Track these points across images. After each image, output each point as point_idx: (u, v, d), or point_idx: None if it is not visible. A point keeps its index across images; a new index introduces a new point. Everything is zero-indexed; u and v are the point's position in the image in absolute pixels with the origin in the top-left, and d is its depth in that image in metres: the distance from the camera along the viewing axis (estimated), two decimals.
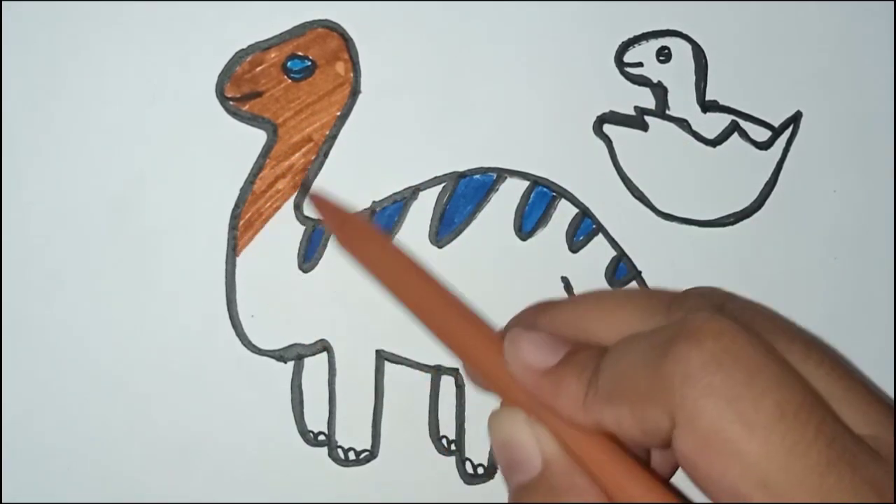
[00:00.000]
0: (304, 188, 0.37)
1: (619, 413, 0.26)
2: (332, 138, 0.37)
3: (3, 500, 0.37)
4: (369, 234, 0.34)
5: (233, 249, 0.37)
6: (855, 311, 0.41)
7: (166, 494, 0.38)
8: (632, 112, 0.39)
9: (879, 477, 0.24)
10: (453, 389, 0.39)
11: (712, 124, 0.39)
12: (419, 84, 0.38)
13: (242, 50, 0.36)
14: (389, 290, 0.33)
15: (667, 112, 0.39)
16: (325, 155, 0.37)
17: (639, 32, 0.38)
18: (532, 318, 0.31)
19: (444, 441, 0.39)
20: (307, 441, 0.38)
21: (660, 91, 0.39)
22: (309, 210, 0.37)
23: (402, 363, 0.38)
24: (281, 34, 0.37)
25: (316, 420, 0.38)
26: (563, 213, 0.39)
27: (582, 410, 0.27)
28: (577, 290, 0.39)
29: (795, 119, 0.40)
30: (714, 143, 0.39)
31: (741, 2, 0.39)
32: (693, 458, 0.25)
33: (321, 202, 0.35)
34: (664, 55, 0.39)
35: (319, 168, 0.37)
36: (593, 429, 0.27)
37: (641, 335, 0.27)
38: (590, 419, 0.27)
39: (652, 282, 0.39)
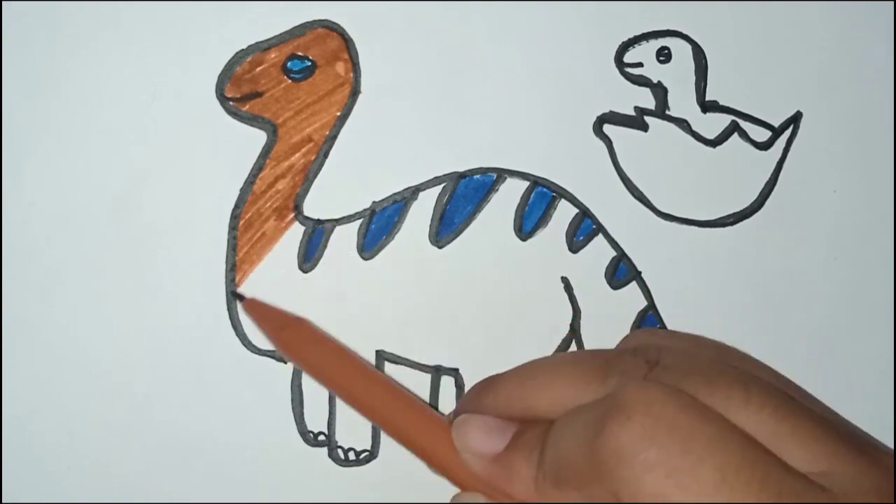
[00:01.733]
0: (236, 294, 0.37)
1: (569, 496, 0.26)
2: (332, 138, 0.37)
3: (3, 501, 0.37)
4: (311, 337, 0.34)
5: (233, 249, 0.37)
6: (855, 311, 0.41)
7: (166, 494, 0.38)
8: (632, 112, 0.39)
9: None
10: (453, 390, 0.39)
11: (712, 124, 0.39)
12: (419, 84, 0.38)
13: (242, 50, 0.36)
14: (336, 391, 0.33)
15: (667, 112, 0.39)
16: (325, 155, 0.37)
17: (639, 32, 0.38)
18: (476, 400, 0.31)
19: None
20: (307, 441, 0.38)
21: (660, 91, 0.39)
22: (310, 210, 0.37)
23: (402, 363, 0.38)
24: (281, 34, 0.36)
25: (316, 420, 0.38)
26: (563, 213, 0.39)
27: (535, 494, 0.27)
28: (577, 291, 0.39)
29: (795, 119, 0.40)
30: (714, 143, 0.39)
31: (741, 2, 0.39)
32: None
33: (256, 308, 0.35)
34: (664, 55, 0.39)
35: (319, 168, 0.37)
36: None
37: (577, 412, 0.27)
38: (544, 501, 0.27)
39: (652, 282, 0.39)
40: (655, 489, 0.24)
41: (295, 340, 0.34)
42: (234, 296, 0.37)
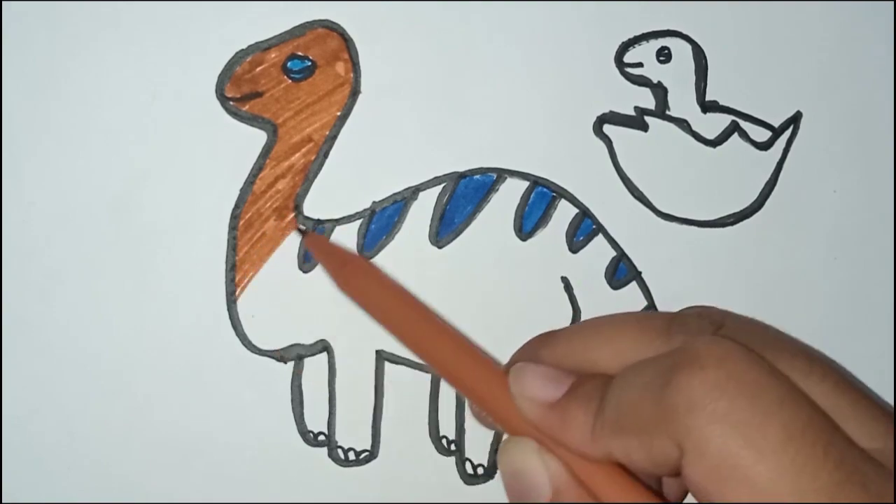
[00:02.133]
0: (297, 210, 0.37)
1: (628, 444, 0.26)
2: (332, 138, 0.37)
3: (3, 501, 0.37)
4: (369, 274, 0.34)
5: (233, 249, 0.37)
6: (855, 311, 0.41)
7: (166, 494, 0.38)
8: (632, 112, 0.39)
9: (890, 492, 0.24)
10: (453, 390, 0.39)
11: (712, 124, 0.39)
12: (419, 84, 0.38)
13: (242, 50, 0.36)
14: (391, 331, 0.33)
15: (667, 112, 0.39)
16: (325, 155, 0.37)
17: (639, 33, 0.38)
18: (534, 351, 0.31)
19: (444, 441, 0.39)
20: (307, 441, 0.38)
21: (660, 91, 0.39)
22: (310, 210, 0.37)
23: (402, 363, 0.38)
24: (281, 34, 0.36)
25: (316, 420, 0.38)
26: (563, 213, 0.39)
27: (590, 442, 0.27)
28: (577, 291, 0.39)
29: (795, 119, 0.40)
30: (714, 143, 0.39)
31: (741, 2, 0.39)
32: (703, 486, 0.24)
33: (318, 244, 0.35)
34: (664, 55, 0.39)
35: (319, 168, 0.37)
36: (602, 458, 0.27)
37: (644, 363, 0.27)
38: (599, 450, 0.27)
39: (652, 282, 0.39)
40: (721, 440, 0.24)
41: (355, 276, 0.34)
42: (298, 231, 0.36)
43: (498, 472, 0.30)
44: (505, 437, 0.30)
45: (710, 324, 0.29)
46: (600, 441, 0.27)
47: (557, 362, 0.30)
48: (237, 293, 0.37)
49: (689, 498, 0.29)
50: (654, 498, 0.28)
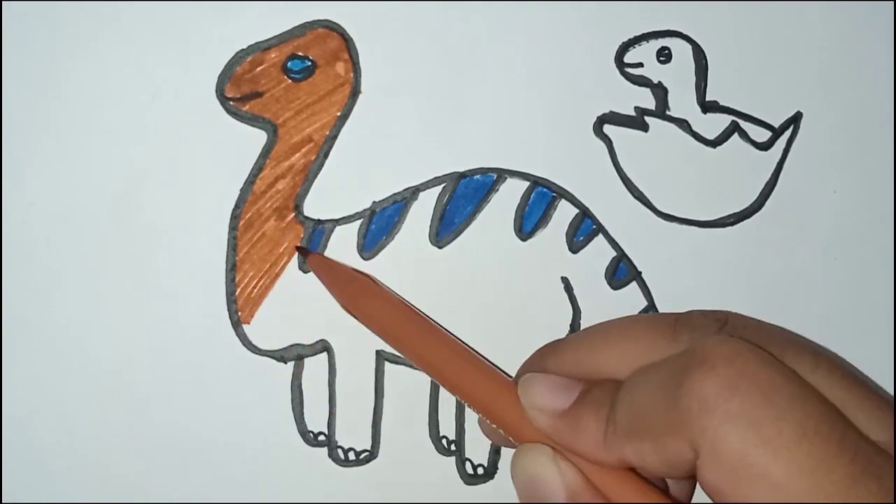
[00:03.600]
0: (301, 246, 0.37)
1: (641, 448, 0.26)
2: (333, 138, 0.37)
3: (3, 501, 0.37)
4: (373, 292, 0.34)
5: (233, 249, 0.37)
6: (855, 311, 0.41)
7: (166, 494, 0.38)
8: (632, 112, 0.39)
9: None
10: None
11: (712, 125, 0.39)
12: (419, 84, 0.38)
13: (242, 50, 0.36)
14: (398, 348, 0.33)
15: (667, 112, 0.39)
16: (326, 155, 0.37)
17: (639, 33, 0.38)
18: (541, 360, 0.31)
19: (444, 441, 0.39)
20: (307, 441, 0.38)
21: (660, 91, 0.39)
22: (310, 210, 0.37)
23: (402, 363, 0.38)
24: (281, 34, 0.36)
25: (316, 420, 0.38)
26: (563, 213, 0.39)
27: (603, 448, 0.27)
28: (577, 291, 0.39)
29: (795, 119, 0.40)
30: (714, 143, 0.39)
31: (741, 2, 0.39)
32: (720, 486, 0.24)
33: (321, 264, 0.35)
34: (664, 56, 0.39)
35: (319, 168, 0.37)
36: (616, 464, 0.27)
37: (653, 366, 0.27)
38: (612, 456, 0.27)
39: (652, 282, 0.39)
40: (736, 439, 0.24)
41: (360, 296, 0.34)
42: (298, 250, 0.37)
43: (508, 475, 0.30)
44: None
45: (715, 321, 0.29)
46: (613, 447, 0.27)
47: (565, 371, 0.30)
48: (237, 293, 0.37)
49: (697, 497, 0.29)
50: (668, 499, 0.28)
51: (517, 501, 0.30)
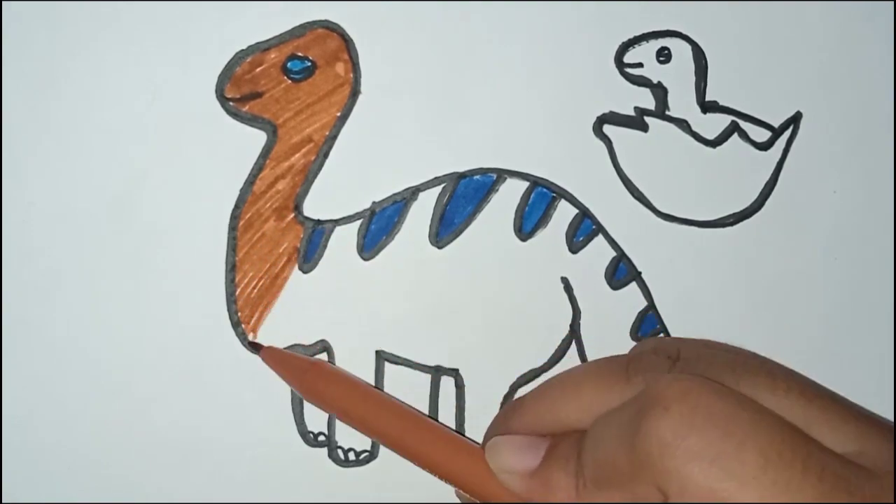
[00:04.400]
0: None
1: (613, 497, 0.26)
2: (332, 139, 0.37)
3: (3, 501, 0.37)
4: (332, 377, 0.35)
5: (233, 250, 0.37)
6: (855, 311, 0.41)
7: (166, 494, 0.38)
8: (632, 113, 0.39)
9: (876, 494, 0.24)
10: (453, 389, 0.39)
11: (712, 125, 0.39)
12: (419, 84, 0.38)
13: (242, 50, 0.36)
14: (363, 430, 0.33)
15: (667, 112, 0.39)
16: (325, 155, 0.37)
17: (639, 33, 0.38)
18: (505, 423, 0.32)
19: None
20: (307, 441, 0.38)
21: (660, 91, 0.39)
22: (310, 211, 0.37)
23: (401, 364, 0.38)
24: (281, 34, 0.36)
25: (316, 420, 0.38)
26: (563, 213, 0.39)
27: (577, 501, 0.27)
28: (576, 291, 0.39)
29: (795, 119, 0.40)
30: (714, 143, 0.39)
31: (741, 2, 0.39)
32: None
33: (275, 356, 0.36)
34: (664, 56, 0.39)
35: (319, 169, 0.37)
36: None
37: (610, 415, 0.27)
38: None
39: (652, 282, 0.39)
40: (701, 476, 0.24)
41: (317, 383, 0.34)
42: (250, 346, 0.37)
43: None
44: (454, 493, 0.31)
45: (667, 359, 0.29)
46: (586, 499, 0.27)
47: (530, 429, 0.30)
48: (237, 293, 0.37)
49: None
50: None
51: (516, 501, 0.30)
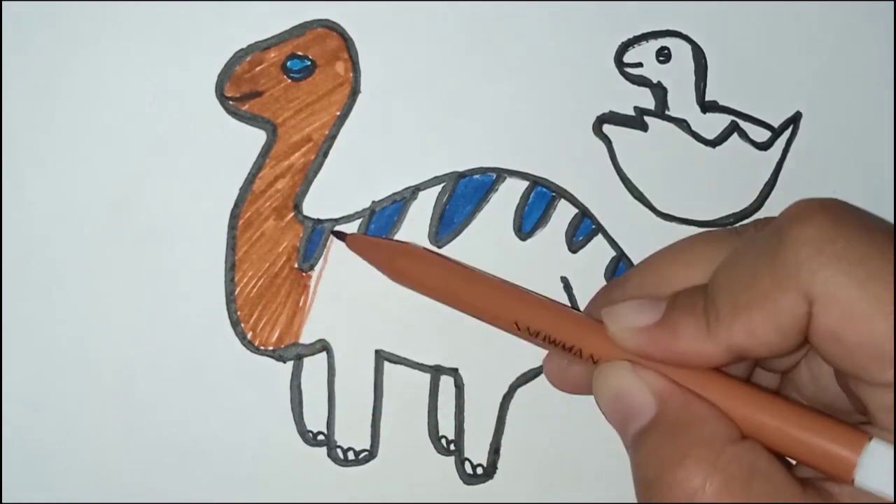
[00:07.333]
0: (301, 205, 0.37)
1: (750, 320, 0.26)
2: (332, 138, 0.37)
3: (3, 501, 0.37)
4: (423, 259, 0.34)
5: (232, 249, 0.37)
6: None
7: (166, 494, 0.38)
8: (631, 112, 0.39)
9: None
10: (453, 389, 0.39)
11: (712, 124, 0.39)
12: (419, 84, 0.38)
13: (242, 50, 0.36)
14: (458, 306, 0.33)
15: (666, 112, 0.39)
16: (325, 155, 0.37)
17: (639, 33, 0.38)
18: (608, 295, 0.31)
19: (443, 441, 0.39)
20: (306, 441, 0.38)
21: (659, 91, 0.39)
22: (309, 210, 0.37)
23: (401, 363, 0.38)
24: (280, 34, 0.37)
25: (315, 420, 0.38)
26: (563, 213, 0.39)
27: (708, 340, 0.27)
28: (576, 291, 0.39)
29: (795, 119, 0.40)
30: (714, 143, 0.39)
31: (741, 2, 0.39)
32: (837, 329, 0.25)
33: (361, 243, 0.35)
34: (664, 55, 0.39)
35: (319, 168, 0.37)
36: (723, 354, 0.27)
37: (742, 247, 0.28)
38: (719, 345, 0.27)
39: None
40: (849, 277, 0.25)
41: (407, 265, 0.34)
42: (334, 234, 0.36)
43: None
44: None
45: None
46: (718, 334, 0.27)
47: (638, 295, 0.30)
48: (236, 293, 0.37)
49: None
50: (759, 389, 0.28)
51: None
